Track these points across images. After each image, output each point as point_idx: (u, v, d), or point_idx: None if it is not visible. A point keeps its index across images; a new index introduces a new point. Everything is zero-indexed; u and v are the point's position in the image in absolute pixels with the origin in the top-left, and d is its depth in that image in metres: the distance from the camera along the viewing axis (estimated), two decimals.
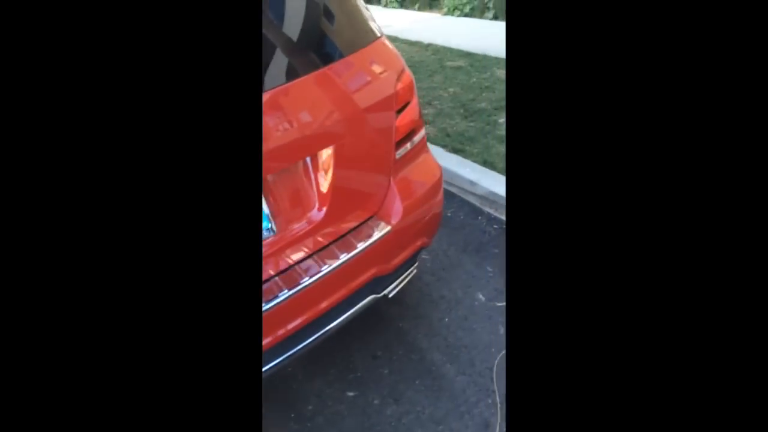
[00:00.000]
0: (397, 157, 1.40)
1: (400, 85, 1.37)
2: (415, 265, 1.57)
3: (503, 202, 2.31)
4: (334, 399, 1.57)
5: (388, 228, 1.34)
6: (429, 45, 4.78)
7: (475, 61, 4.16)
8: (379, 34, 1.38)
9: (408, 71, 1.44)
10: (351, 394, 1.58)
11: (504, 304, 1.85)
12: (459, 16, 5.81)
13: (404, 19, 6.01)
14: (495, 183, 2.39)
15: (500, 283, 1.95)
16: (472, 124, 3.05)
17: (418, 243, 1.50)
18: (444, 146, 2.80)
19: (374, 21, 1.42)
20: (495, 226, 2.28)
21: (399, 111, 1.38)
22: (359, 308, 1.37)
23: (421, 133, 1.53)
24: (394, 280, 1.45)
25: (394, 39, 5.16)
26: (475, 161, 2.61)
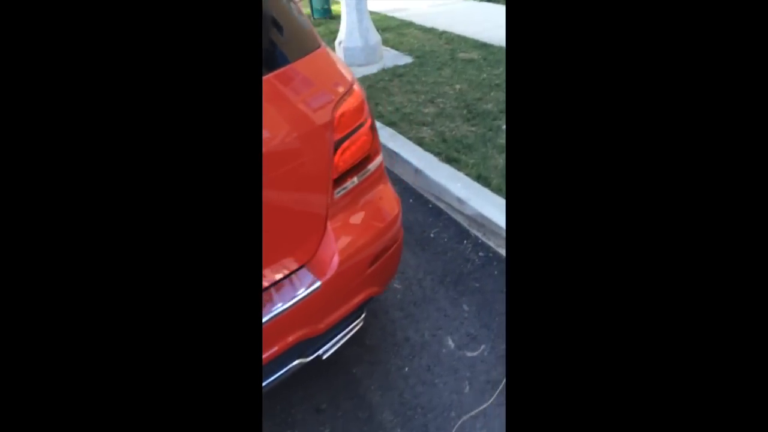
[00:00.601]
0: (336, 195, 1.16)
1: (343, 108, 1.12)
2: (362, 317, 1.34)
3: (492, 226, 2.04)
4: None
5: (317, 284, 1.11)
6: (443, 33, 4.45)
7: (490, 53, 3.82)
8: (318, 45, 1.13)
9: (358, 89, 1.18)
10: None
11: (475, 354, 1.61)
12: (481, 0, 5.42)
13: (422, 2, 5.65)
14: (486, 203, 2.13)
15: (475, 326, 1.71)
16: (473, 128, 2.76)
17: (363, 295, 1.27)
18: (438, 154, 2.53)
19: (312, 28, 1.16)
20: (480, 254, 2.03)
21: (343, 138, 1.14)
22: (281, 375, 1.15)
23: (377, 161, 1.28)
24: (330, 340, 1.23)
25: (408, 24, 4.84)
26: (468, 174, 2.34)
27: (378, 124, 2.92)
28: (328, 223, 1.16)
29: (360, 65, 3.85)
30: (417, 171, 2.46)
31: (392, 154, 2.64)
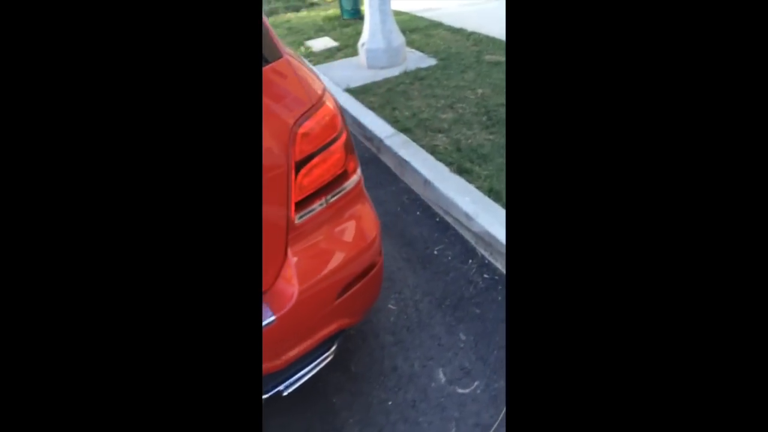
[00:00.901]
0: (299, 219, 1.05)
1: (309, 124, 1.01)
2: (332, 349, 1.22)
3: (499, 246, 1.89)
4: None
5: (271, 318, 1.00)
6: (472, 34, 4.27)
7: None
8: (279, 55, 1.01)
9: (330, 103, 1.07)
10: None
11: (466, 391, 1.47)
12: None
13: (454, 2, 5.47)
14: (495, 220, 1.97)
15: (470, 359, 1.56)
16: (490, 136, 2.60)
17: (333, 327, 1.15)
18: (449, 164, 2.38)
19: (274, 37, 1.05)
20: (485, 276, 1.87)
21: (310, 157, 1.03)
22: None
23: (353, 179, 1.16)
24: (292, 375, 1.12)
25: (436, 25, 4.68)
26: (479, 187, 2.18)
27: (392, 130, 2.79)
28: (289, 250, 1.05)
29: (382, 67, 3.74)
30: (426, 182, 2.33)
31: (403, 163, 2.52)
